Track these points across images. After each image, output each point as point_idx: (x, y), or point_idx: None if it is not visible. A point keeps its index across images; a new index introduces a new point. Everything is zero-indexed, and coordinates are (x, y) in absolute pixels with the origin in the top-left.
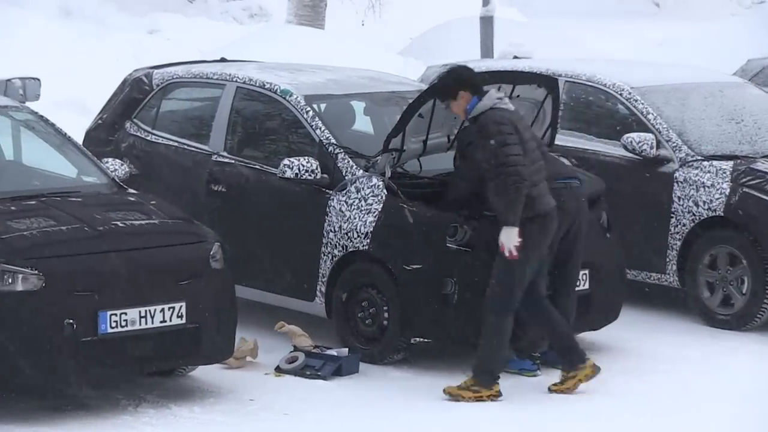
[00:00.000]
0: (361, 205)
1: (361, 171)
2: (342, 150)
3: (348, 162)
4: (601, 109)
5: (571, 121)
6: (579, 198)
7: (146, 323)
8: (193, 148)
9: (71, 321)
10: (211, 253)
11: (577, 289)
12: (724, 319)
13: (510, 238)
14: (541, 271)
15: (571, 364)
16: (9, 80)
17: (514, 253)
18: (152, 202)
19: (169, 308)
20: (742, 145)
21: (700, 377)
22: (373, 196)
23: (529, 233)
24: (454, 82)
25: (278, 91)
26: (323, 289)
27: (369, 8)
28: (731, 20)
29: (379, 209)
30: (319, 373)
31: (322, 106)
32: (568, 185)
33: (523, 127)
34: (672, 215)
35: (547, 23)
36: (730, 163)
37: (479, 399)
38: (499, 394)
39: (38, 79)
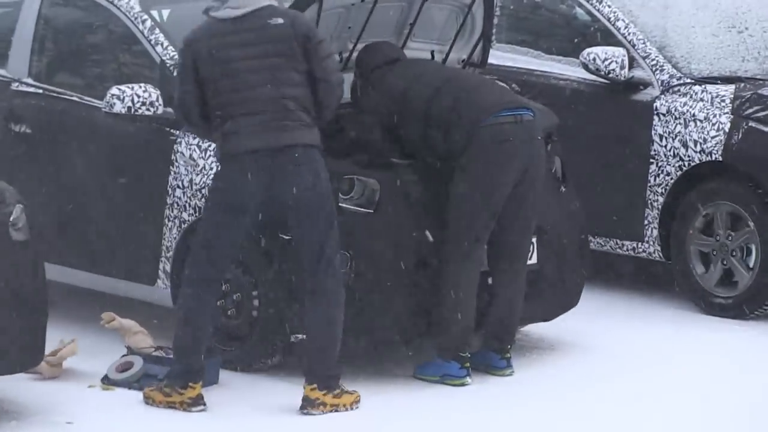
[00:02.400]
0: None
1: None
2: None
3: None
4: (553, 16)
5: (512, 32)
6: (533, 136)
7: None
8: None
9: None
10: (12, 219)
11: None
12: (725, 304)
13: None
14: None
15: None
16: None
17: None
18: None
19: None
20: (746, 63)
21: (693, 386)
22: None
23: (215, 184)
24: None
25: None
26: (167, 267)
27: None
28: None
29: None
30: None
31: (165, 13)
32: (519, 118)
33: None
34: (652, 161)
35: None
36: (731, 87)
37: (171, 405)
38: (197, 402)
39: None
